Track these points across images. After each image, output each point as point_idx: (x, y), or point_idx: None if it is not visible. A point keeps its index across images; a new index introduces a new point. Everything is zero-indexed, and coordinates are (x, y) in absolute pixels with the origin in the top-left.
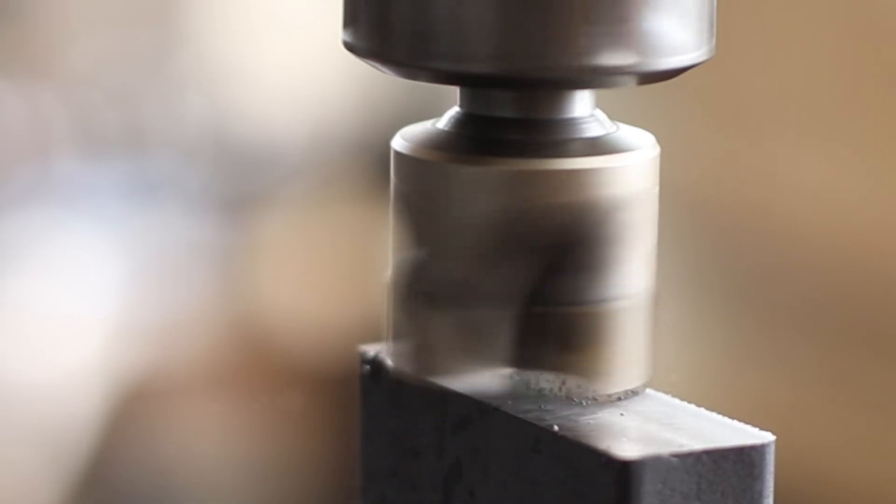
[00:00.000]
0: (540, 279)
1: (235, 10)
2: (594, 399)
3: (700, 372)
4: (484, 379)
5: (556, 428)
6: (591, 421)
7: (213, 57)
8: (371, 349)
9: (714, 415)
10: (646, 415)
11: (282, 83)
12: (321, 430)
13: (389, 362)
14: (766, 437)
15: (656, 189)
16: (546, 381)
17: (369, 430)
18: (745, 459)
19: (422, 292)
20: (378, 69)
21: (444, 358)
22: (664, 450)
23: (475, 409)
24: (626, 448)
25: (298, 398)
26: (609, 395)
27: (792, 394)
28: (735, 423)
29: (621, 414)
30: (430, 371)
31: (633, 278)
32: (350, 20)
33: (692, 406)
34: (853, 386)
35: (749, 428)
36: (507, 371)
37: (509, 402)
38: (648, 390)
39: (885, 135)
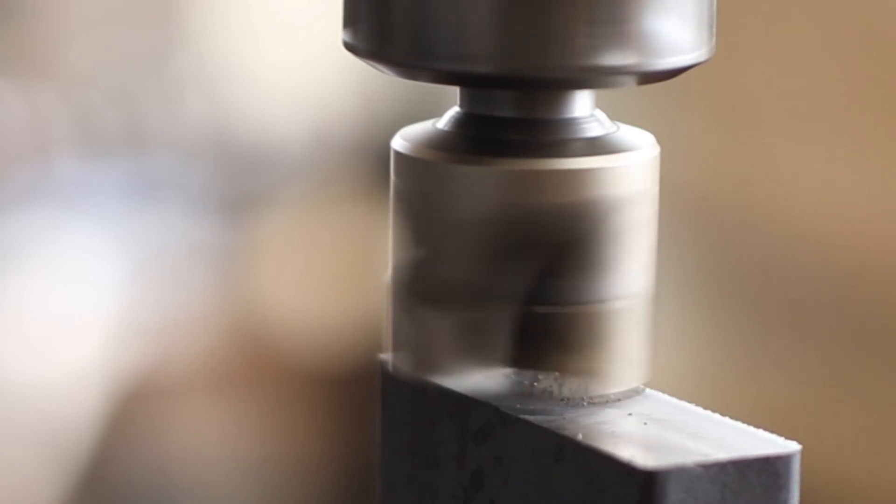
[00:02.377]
0: (540, 279)
1: (235, 10)
2: (594, 399)
3: (699, 371)
4: (484, 379)
5: (580, 437)
6: (615, 429)
7: (213, 57)
8: (391, 357)
9: (738, 423)
10: (667, 422)
11: (282, 83)
12: (321, 430)
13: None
14: (792, 447)
15: (656, 189)
16: (546, 381)
17: (389, 439)
18: (770, 469)
19: (422, 292)
20: (378, 69)
21: (444, 358)
22: (688, 459)
23: (497, 417)
24: (650, 457)
25: (298, 398)
26: (609, 395)
27: (791, 393)
28: (759, 431)
29: (645, 423)
30: (430, 371)
31: (633, 278)
32: (350, 20)
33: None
34: (853, 385)
35: (774, 437)
36: (506, 371)
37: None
38: (648, 390)
39: (885, 134)
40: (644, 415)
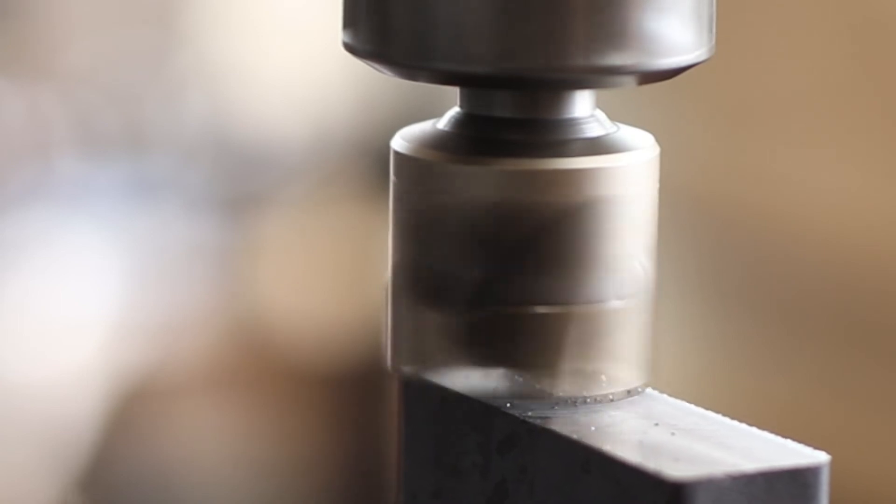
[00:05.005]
0: (540, 279)
1: (235, 10)
2: (595, 399)
3: (699, 371)
4: (484, 379)
5: (607, 448)
6: (642, 439)
7: (213, 57)
8: (411, 366)
9: (765, 433)
10: (694, 432)
11: (282, 83)
12: (321, 429)
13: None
14: (821, 458)
15: (656, 189)
16: (547, 380)
17: (410, 449)
18: (799, 480)
19: (421, 292)
20: (378, 70)
21: (444, 358)
22: (716, 470)
23: (522, 427)
24: (678, 468)
25: (298, 398)
26: (610, 395)
27: (791, 393)
28: (787, 441)
29: (672, 434)
30: (430, 372)
31: (633, 278)
32: (350, 21)
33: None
34: (853, 385)
35: (802, 447)
36: (507, 371)
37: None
38: (648, 390)
39: (885, 134)
40: (670, 424)
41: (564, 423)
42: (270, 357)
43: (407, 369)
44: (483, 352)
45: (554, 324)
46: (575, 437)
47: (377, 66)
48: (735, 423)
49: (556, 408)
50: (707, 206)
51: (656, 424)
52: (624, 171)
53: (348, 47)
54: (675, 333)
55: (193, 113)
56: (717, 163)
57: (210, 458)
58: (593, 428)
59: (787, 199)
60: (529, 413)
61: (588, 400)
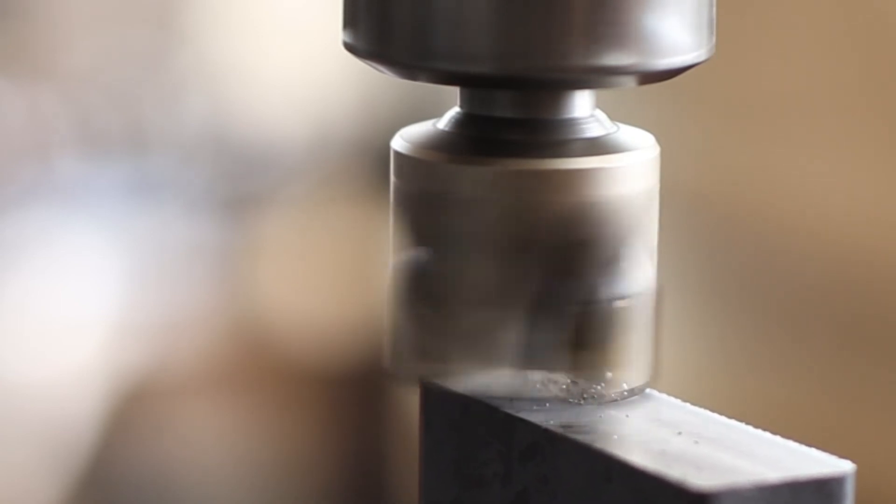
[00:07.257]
0: (540, 279)
1: (235, 10)
2: (596, 398)
3: (699, 371)
4: (485, 379)
5: (630, 457)
6: (665, 448)
7: (213, 57)
8: (411, 367)
9: (788, 442)
10: (718, 440)
11: (282, 83)
12: (321, 430)
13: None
14: (847, 467)
15: (656, 189)
16: (548, 380)
17: (431, 459)
18: (824, 490)
19: (422, 292)
20: (378, 69)
21: (445, 358)
22: (740, 479)
23: (543, 436)
24: (702, 477)
25: (298, 398)
26: (611, 395)
27: (791, 393)
28: (811, 450)
29: (695, 442)
30: (431, 372)
31: (633, 278)
32: (350, 21)
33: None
34: (851, 385)
35: (827, 456)
36: (508, 371)
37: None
38: (649, 390)
39: (883, 134)
40: (694, 433)
41: (586, 432)
42: (270, 357)
43: (407, 370)
44: (483, 352)
45: (555, 324)
46: (597, 445)
47: (377, 66)
48: (759, 431)
49: (577, 416)
50: (707, 205)
51: (679, 433)
52: (624, 171)
53: (348, 47)
54: (675, 333)
55: (193, 113)
56: (717, 163)
57: (210, 458)
58: (615, 436)
59: (787, 199)
60: (551, 422)
61: (591, 399)
